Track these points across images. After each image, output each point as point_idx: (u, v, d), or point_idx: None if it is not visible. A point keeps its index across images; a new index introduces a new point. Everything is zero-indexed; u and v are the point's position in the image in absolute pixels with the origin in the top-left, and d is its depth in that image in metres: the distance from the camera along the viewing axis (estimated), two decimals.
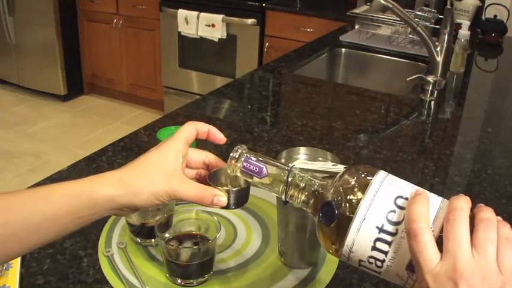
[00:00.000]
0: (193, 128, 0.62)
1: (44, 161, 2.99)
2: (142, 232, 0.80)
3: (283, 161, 0.75)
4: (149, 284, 0.73)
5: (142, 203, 0.57)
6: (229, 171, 0.60)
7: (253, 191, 0.95)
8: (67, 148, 3.15)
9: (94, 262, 0.76)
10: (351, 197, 0.50)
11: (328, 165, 0.62)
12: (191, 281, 0.73)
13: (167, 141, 0.60)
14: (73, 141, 3.25)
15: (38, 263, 0.76)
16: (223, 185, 0.63)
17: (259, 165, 0.59)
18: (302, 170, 0.58)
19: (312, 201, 0.55)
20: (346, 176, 0.52)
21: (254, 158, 0.59)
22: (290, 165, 0.59)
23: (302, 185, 0.56)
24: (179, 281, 0.73)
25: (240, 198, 0.61)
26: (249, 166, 0.59)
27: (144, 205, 0.57)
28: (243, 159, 0.59)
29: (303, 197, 0.56)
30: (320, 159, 0.76)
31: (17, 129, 3.37)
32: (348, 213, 0.50)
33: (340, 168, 0.57)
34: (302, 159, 0.76)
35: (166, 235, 0.76)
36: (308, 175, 0.57)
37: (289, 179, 0.57)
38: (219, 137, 0.64)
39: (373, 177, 0.51)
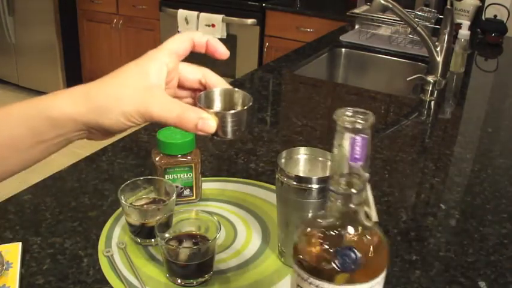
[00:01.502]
0: (187, 38, 0.51)
1: (43, 161, 2.98)
2: (142, 232, 0.80)
3: (283, 161, 0.75)
4: (149, 284, 0.73)
5: (109, 123, 0.46)
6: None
7: (252, 190, 0.96)
8: (67, 148, 3.14)
9: (94, 262, 0.76)
10: None
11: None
12: (191, 281, 0.73)
13: (151, 51, 0.50)
14: None
15: (38, 263, 0.76)
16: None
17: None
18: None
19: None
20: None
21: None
22: None
23: None
24: (179, 281, 0.73)
25: (236, 125, 0.49)
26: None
27: (112, 127, 0.47)
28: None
29: None
30: (320, 159, 0.76)
31: None
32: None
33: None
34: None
35: (166, 235, 0.76)
36: None
37: None
38: (221, 50, 0.53)
39: None
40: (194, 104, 0.51)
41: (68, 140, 0.49)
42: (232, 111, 0.49)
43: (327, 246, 0.49)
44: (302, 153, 0.76)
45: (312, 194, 0.70)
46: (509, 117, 1.49)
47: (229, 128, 0.48)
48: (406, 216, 0.91)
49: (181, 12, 3.12)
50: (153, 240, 0.80)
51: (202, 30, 3.09)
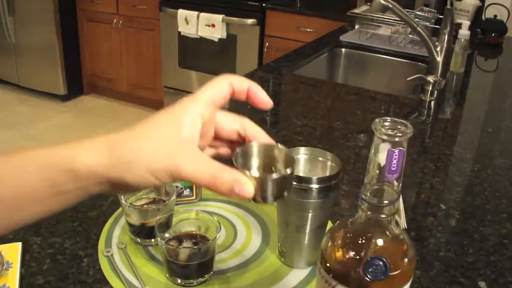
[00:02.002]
0: (226, 84, 0.45)
1: None
2: (142, 232, 0.80)
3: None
4: (149, 284, 0.73)
5: (134, 180, 0.42)
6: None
7: None
8: None
9: (94, 262, 0.76)
10: None
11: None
12: (191, 281, 0.73)
13: (185, 99, 0.44)
14: (73, 141, 3.25)
15: (38, 263, 0.76)
16: (259, 167, 0.46)
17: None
18: None
19: None
20: None
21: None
22: None
23: None
24: (179, 281, 0.73)
25: (277, 190, 0.43)
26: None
27: (138, 184, 0.42)
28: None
29: None
30: (320, 159, 0.76)
31: (17, 129, 3.37)
32: None
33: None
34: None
35: (166, 235, 0.76)
36: None
37: None
38: (263, 97, 0.46)
39: None
40: (231, 155, 0.47)
41: (89, 193, 0.44)
42: (274, 176, 0.43)
43: (357, 255, 0.49)
44: (302, 153, 0.76)
45: (312, 194, 0.70)
46: (509, 117, 1.49)
47: (269, 193, 0.43)
48: (406, 216, 0.91)
49: (181, 12, 3.11)
50: (153, 240, 0.80)
51: (202, 30, 3.09)
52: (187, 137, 0.43)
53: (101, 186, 0.43)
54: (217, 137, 0.48)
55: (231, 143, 0.49)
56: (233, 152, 0.47)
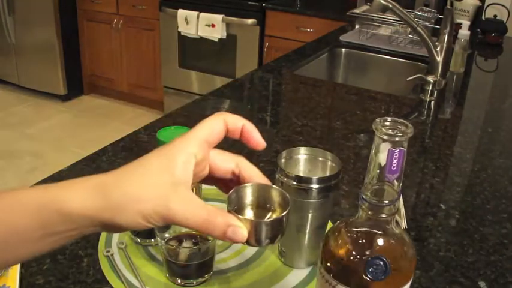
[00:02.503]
0: (220, 122, 0.45)
1: (44, 161, 2.99)
2: (142, 232, 0.80)
3: (283, 161, 0.75)
4: (149, 284, 0.73)
5: (126, 223, 0.41)
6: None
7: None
8: (67, 148, 3.15)
9: (94, 262, 0.76)
10: None
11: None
12: (191, 281, 0.73)
13: (178, 139, 0.44)
14: (73, 141, 3.25)
15: (38, 263, 0.76)
16: (253, 209, 0.46)
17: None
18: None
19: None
20: None
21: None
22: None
23: None
24: (179, 281, 0.73)
25: (271, 233, 0.43)
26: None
27: (129, 226, 0.42)
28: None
29: None
30: (320, 159, 0.76)
31: (17, 129, 3.37)
32: None
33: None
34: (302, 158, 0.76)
35: (166, 235, 0.76)
36: None
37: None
38: (257, 138, 0.47)
39: None
40: (226, 192, 0.46)
41: (81, 233, 0.43)
42: (268, 220, 0.43)
43: (357, 255, 0.49)
44: (302, 153, 0.76)
45: (312, 194, 0.70)
46: (509, 117, 1.49)
47: (263, 237, 0.42)
48: (406, 216, 0.91)
49: (181, 12, 3.12)
50: (153, 240, 0.80)
51: (202, 30, 3.09)
52: (179, 178, 0.42)
53: (94, 227, 0.42)
54: (211, 176, 0.47)
55: (225, 182, 0.48)
56: (228, 189, 0.46)
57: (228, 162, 0.47)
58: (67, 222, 0.42)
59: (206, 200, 0.92)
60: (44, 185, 0.44)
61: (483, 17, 2.47)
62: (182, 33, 3.19)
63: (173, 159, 0.42)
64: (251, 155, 1.10)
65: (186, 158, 0.43)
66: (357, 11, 2.19)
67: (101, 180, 0.42)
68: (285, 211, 0.44)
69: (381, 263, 0.48)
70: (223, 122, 0.45)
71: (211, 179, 0.48)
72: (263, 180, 0.47)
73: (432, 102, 1.54)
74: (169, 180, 0.41)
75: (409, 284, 0.51)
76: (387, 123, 0.47)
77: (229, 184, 0.47)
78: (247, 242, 0.43)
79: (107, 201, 0.41)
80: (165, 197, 0.41)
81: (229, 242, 0.42)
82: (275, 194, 0.47)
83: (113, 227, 0.42)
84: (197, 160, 0.44)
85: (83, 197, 0.42)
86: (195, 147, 0.44)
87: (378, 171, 0.47)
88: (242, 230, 0.41)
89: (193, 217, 0.41)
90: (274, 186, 0.47)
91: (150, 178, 0.42)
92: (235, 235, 0.41)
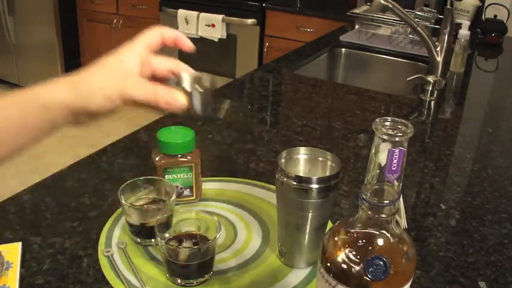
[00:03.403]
0: (158, 33, 0.60)
1: (44, 161, 2.99)
2: (142, 232, 0.80)
3: (283, 161, 0.75)
4: (149, 284, 0.73)
5: (95, 106, 0.55)
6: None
7: (252, 191, 0.96)
8: (67, 148, 3.15)
9: (94, 262, 0.76)
10: None
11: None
12: (191, 281, 0.73)
13: (127, 44, 0.59)
14: (73, 141, 3.25)
15: (38, 263, 0.76)
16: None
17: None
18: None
19: None
20: None
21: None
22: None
23: None
24: (179, 281, 0.73)
25: (205, 101, 0.57)
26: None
27: (98, 109, 0.55)
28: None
29: None
30: (320, 159, 0.76)
31: None
32: None
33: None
34: None
35: (166, 235, 0.76)
36: None
37: None
38: (187, 44, 0.61)
39: None
40: None
41: (55, 125, 0.56)
42: (200, 89, 0.57)
43: (357, 255, 0.49)
44: (302, 153, 0.76)
45: (312, 194, 0.70)
46: (509, 117, 1.49)
47: (197, 104, 0.56)
48: (406, 216, 0.91)
49: (181, 12, 3.12)
50: (153, 240, 0.80)
51: (202, 30, 3.09)
52: (130, 68, 0.57)
53: (66, 118, 0.55)
54: (154, 77, 0.60)
55: (165, 81, 0.61)
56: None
57: (166, 63, 0.60)
58: (46, 113, 0.54)
59: (206, 199, 0.92)
60: (26, 88, 0.56)
61: (483, 17, 2.47)
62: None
63: (124, 57, 0.57)
64: (250, 152, 1.10)
65: (133, 56, 0.57)
66: (357, 11, 2.18)
67: (72, 79, 0.56)
68: (212, 87, 0.59)
69: (381, 263, 0.48)
70: (160, 33, 0.60)
71: (155, 78, 0.60)
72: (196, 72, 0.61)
73: (432, 102, 1.54)
74: (123, 71, 0.56)
75: (409, 284, 0.51)
76: (387, 123, 0.47)
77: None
78: (188, 111, 0.56)
79: (79, 92, 0.55)
80: (121, 83, 0.56)
81: (174, 109, 0.55)
82: (206, 78, 0.60)
83: (82, 114, 0.55)
84: (142, 58, 0.58)
85: (59, 91, 0.55)
86: (140, 49, 0.58)
87: (378, 171, 0.47)
88: (182, 97, 0.56)
89: (143, 92, 0.55)
90: (205, 73, 0.61)
91: (108, 72, 0.56)
92: (176, 101, 0.55)
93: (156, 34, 0.60)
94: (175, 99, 0.56)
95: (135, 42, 0.59)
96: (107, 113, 0.57)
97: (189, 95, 0.56)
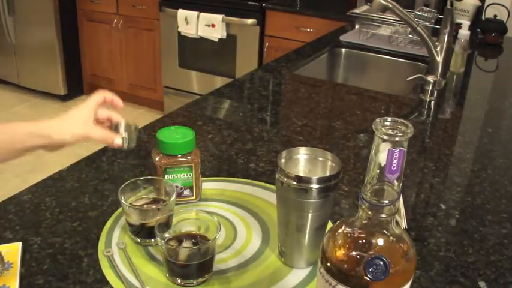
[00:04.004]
0: (101, 96, 0.86)
1: (43, 161, 2.98)
2: (143, 232, 0.80)
3: (283, 161, 0.75)
4: (149, 284, 0.73)
5: (65, 142, 0.81)
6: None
7: (252, 191, 0.96)
8: (67, 148, 3.15)
9: (94, 262, 0.76)
10: None
11: None
12: (191, 281, 0.73)
13: (83, 103, 0.84)
14: None
15: (38, 263, 0.76)
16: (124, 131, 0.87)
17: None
18: None
19: None
20: None
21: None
22: None
23: None
24: (179, 281, 0.73)
25: (130, 141, 0.86)
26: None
27: (66, 143, 0.82)
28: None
29: None
30: (320, 159, 0.76)
31: None
32: None
33: None
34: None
35: (166, 235, 0.76)
36: None
37: None
38: (119, 104, 0.89)
39: None
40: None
41: (33, 149, 0.82)
42: (126, 133, 0.86)
43: (357, 255, 0.49)
44: (302, 153, 0.76)
45: (312, 194, 0.70)
46: (509, 117, 1.49)
47: (127, 141, 0.86)
48: (406, 216, 0.91)
49: (181, 12, 3.11)
50: (153, 240, 0.80)
51: (202, 30, 3.09)
52: (87, 118, 0.83)
53: (44, 146, 0.82)
54: (101, 121, 0.87)
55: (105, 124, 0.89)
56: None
57: (106, 113, 0.87)
58: (29, 141, 0.80)
59: (206, 199, 0.92)
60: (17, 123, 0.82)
61: (483, 17, 2.47)
62: (182, 33, 3.19)
63: (82, 111, 0.83)
64: (250, 152, 1.10)
65: (88, 110, 0.83)
66: (357, 11, 2.18)
67: (51, 122, 0.82)
68: (136, 131, 0.88)
69: (381, 263, 0.48)
70: (103, 95, 0.86)
71: (100, 122, 0.87)
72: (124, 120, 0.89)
73: (432, 102, 1.54)
74: (83, 119, 0.82)
75: (409, 284, 0.51)
76: (387, 123, 0.47)
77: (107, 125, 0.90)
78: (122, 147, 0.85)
79: (50, 139, 0.81)
80: (84, 125, 0.82)
81: (113, 146, 0.84)
82: (131, 125, 0.88)
83: (55, 145, 0.82)
84: (94, 111, 0.84)
85: (42, 128, 0.81)
86: (92, 105, 0.84)
87: (378, 171, 0.47)
88: (119, 140, 0.84)
89: (99, 134, 0.83)
90: (130, 121, 0.88)
91: (73, 118, 0.82)
92: (116, 142, 0.84)
93: (100, 96, 0.86)
94: (116, 141, 0.84)
95: (88, 101, 0.84)
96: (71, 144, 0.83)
97: (122, 136, 0.85)
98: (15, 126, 0.80)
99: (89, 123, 0.83)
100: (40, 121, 0.82)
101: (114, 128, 0.87)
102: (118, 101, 0.89)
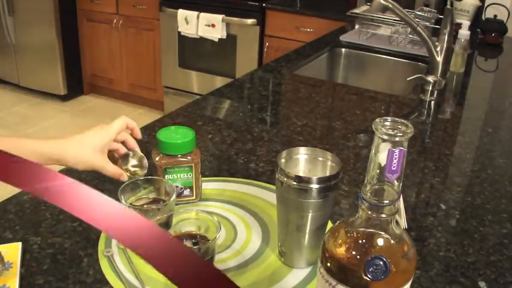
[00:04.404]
0: (124, 123, 0.86)
1: None
2: None
3: (283, 161, 0.75)
4: (149, 284, 0.73)
5: (68, 164, 0.81)
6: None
7: (252, 190, 0.96)
8: None
9: (94, 262, 0.76)
10: None
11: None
12: None
13: (108, 126, 0.84)
14: None
15: (38, 263, 0.76)
16: (134, 165, 0.89)
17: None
18: None
19: None
20: None
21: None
22: None
23: None
24: None
25: (143, 169, 0.89)
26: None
27: (75, 166, 0.81)
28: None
29: None
30: (320, 159, 0.76)
31: (17, 129, 3.37)
32: None
33: None
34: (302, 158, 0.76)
35: None
36: None
37: None
38: (138, 134, 0.89)
39: None
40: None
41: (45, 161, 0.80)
42: (132, 166, 0.89)
43: (357, 255, 0.49)
44: (302, 153, 0.76)
45: (312, 194, 0.70)
46: (509, 117, 1.49)
47: (142, 172, 0.88)
48: (406, 216, 0.91)
49: (181, 12, 3.11)
50: None
51: (202, 30, 3.09)
52: (104, 148, 0.82)
53: (46, 163, 0.78)
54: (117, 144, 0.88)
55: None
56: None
57: (122, 137, 0.87)
58: (34, 158, 0.77)
59: (206, 199, 0.92)
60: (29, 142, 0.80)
61: (483, 17, 2.47)
62: (182, 33, 3.19)
63: (101, 138, 0.82)
64: (250, 152, 1.10)
65: (108, 139, 0.83)
66: (357, 11, 2.18)
67: (59, 142, 0.80)
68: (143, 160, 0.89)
69: (381, 263, 0.48)
70: (126, 122, 0.86)
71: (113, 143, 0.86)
72: (135, 148, 0.90)
73: (432, 102, 1.54)
74: (99, 149, 0.81)
75: (409, 284, 0.51)
76: (387, 123, 0.47)
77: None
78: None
79: (60, 162, 0.80)
80: (99, 159, 0.81)
81: (119, 180, 0.84)
82: (139, 155, 0.89)
83: (59, 163, 0.80)
84: (110, 137, 0.83)
85: (49, 147, 0.80)
86: (113, 134, 0.83)
87: (378, 171, 0.47)
88: (125, 177, 0.84)
89: (110, 170, 0.82)
90: (139, 153, 0.89)
91: (91, 148, 0.81)
92: (123, 176, 0.84)
93: (124, 123, 0.86)
94: (123, 176, 0.84)
95: (110, 127, 0.84)
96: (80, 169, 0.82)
97: (130, 172, 0.87)
98: (22, 143, 0.79)
99: (104, 153, 0.82)
100: (52, 140, 0.79)
101: (122, 159, 0.87)
102: (138, 132, 0.89)
